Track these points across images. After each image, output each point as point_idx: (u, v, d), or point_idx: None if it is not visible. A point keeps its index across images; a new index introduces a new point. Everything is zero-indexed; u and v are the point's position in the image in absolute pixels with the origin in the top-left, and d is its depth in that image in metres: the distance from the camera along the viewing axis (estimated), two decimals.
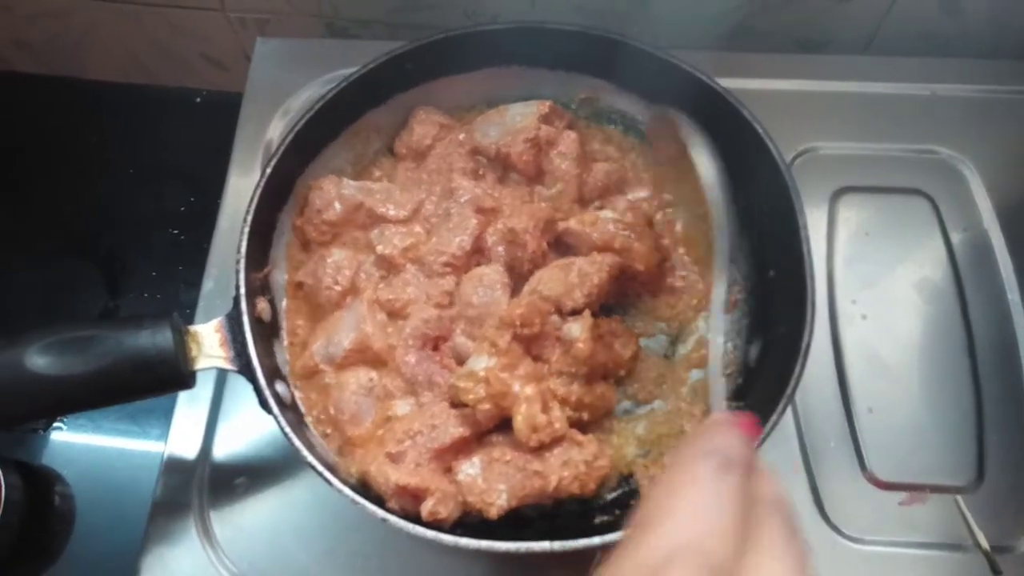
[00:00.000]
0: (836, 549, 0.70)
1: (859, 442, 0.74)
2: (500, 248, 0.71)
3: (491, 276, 0.69)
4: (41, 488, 0.82)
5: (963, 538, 0.69)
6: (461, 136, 0.78)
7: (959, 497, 0.71)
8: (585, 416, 0.66)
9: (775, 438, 0.72)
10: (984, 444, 0.73)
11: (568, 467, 0.62)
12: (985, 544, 0.68)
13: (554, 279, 0.68)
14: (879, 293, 0.81)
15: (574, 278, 0.67)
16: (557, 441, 0.63)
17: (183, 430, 0.75)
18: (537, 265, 0.71)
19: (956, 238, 0.83)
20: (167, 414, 0.76)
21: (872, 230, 0.84)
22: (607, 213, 0.71)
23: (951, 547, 0.70)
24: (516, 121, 0.75)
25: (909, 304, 0.80)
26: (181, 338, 0.63)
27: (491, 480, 0.61)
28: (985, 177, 0.86)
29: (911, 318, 0.79)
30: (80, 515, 0.82)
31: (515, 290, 0.70)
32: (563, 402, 0.65)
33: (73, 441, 0.86)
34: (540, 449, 0.62)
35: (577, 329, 0.65)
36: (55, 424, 0.86)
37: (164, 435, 0.75)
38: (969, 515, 0.69)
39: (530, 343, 0.66)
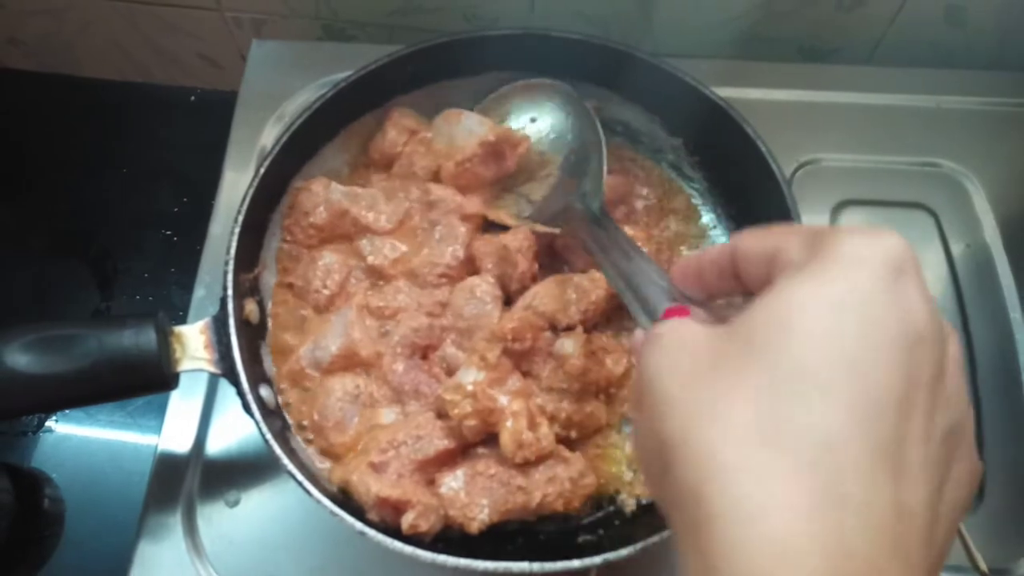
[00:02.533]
0: None
1: None
2: (490, 263, 0.70)
3: (483, 288, 0.68)
4: (30, 491, 0.81)
5: (962, 560, 0.67)
6: (427, 135, 0.76)
7: None
8: (573, 434, 0.65)
9: None
10: (984, 464, 0.72)
11: (553, 483, 0.61)
12: (984, 566, 0.67)
13: (550, 295, 0.67)
14: None
15: (571, 294, 0.66)
16: (543, 458, 0.62)
17: (174, 437, 0.73)
18: (525, 285, 0.70)
19: (958, 252, 0.82)
20: (160, 411, 0.75)
21: None
22: None
23: (949, 569, 0.68)
24: (459, 140, 0.73)
25: None
26: (165, 339, 0.62)
27: (474, 494, 0.60)
28: (988, 191, 0.85)
29: None
30: (70, 519, 0.81)
31: (505, 303, 0.70)
32: (552, 419, 0.64)
33: (63, 444, 0.85)
34: (525, 465, 0.61)
35: (570, 345, 0.64)
36: (44, 426, 0.85)
37: (157, 435, 0.74)
38: (968, 537, 0.68)
39: (521, 358, 0.65)
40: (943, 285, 0.81)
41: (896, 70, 0.91)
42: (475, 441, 0.63)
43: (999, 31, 0.90)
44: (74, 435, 0.86)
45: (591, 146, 0.72)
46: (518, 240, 0.69)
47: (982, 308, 0.79)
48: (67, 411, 0.86)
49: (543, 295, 0.67)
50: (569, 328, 0.66)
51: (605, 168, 0.70)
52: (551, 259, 0.73)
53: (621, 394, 0.69)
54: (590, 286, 0.67)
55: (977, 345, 0.78)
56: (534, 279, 0.70)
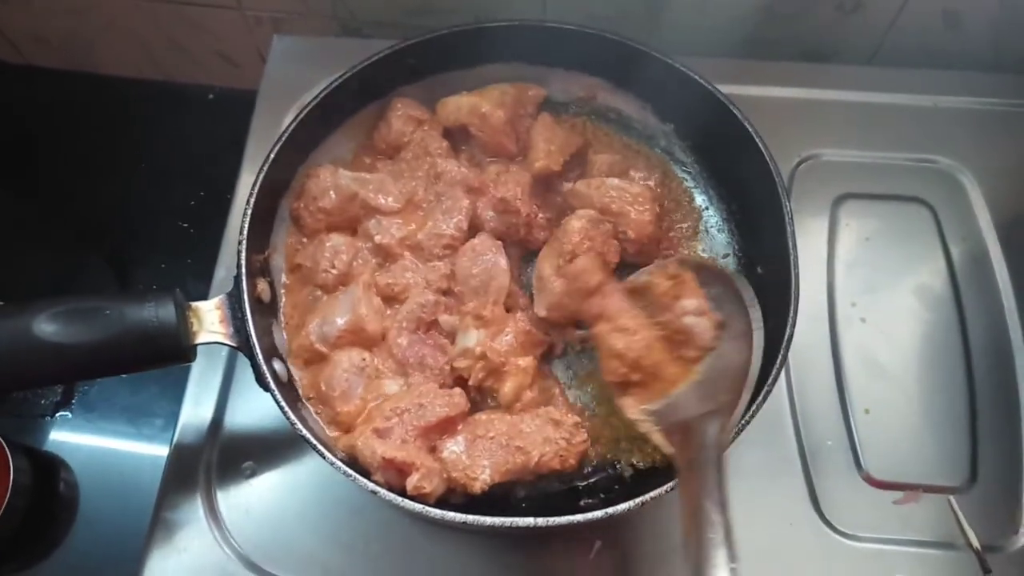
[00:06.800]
0: (831, 545, 0.70)
1: (856, 442, 0.74)
2: (493, 222, 0.73)
3: (483, 243, 0.71)
4: (46, 474, 0.83)
5: (955, 537, 0.70)
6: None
7: (952, 497, 0.71)
8: (636, 377, 0.64)
9: (772, 435, 0.73)
10: (977, 446, 0.74)
11: (549, 443, 0.63)
12: (976, 543, 0.69)
13: (548, 259, 0.71)
14: (879, 298, 0.81)
15: (566, 245, 0.70)
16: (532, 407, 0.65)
17: (192, 415, 0.76)
18: (531, 227, 0.73)
19: (955, 246, 0.84)
20: (173, 403, 0.77)
21: (873, 236, 0.85)
22: (614, 181, 0.73)
23: (943, 545, 0.70)
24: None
25: (908, 309, 0.81)
26: (183, 313, 0.64)
27: (475, 456, 0.62)
28: (984, 188, 0.87)
29: (909, 323, 0.80)
30: (84, 502, 0.83)
31: (514, 257, 0.73)
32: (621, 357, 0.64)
33: (78, 430, 0.87)
34: (521, 424, 0.64)
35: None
36: (61, 411, 0.87)
37: (168, 425, 0.76)
38: (961, 515, 0.70)
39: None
40: (941, 277, 0.83)
41: (895, 71, 0.93)
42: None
43: (994, 35, 0.92)
44: (87, 425, 0.88)
45: (738, 371, 0.62)
46: (511, 189, 0.73)
47: (978, 299, 0.81)
48: (81, 407, 0.88)
49: (545, 257, 0.73)
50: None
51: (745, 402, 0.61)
52: (546, 188, 0.76)
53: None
54: (576, 224, 0.71)
55: (972, 333, 0.79)
56: (536, 218, 0.74)
